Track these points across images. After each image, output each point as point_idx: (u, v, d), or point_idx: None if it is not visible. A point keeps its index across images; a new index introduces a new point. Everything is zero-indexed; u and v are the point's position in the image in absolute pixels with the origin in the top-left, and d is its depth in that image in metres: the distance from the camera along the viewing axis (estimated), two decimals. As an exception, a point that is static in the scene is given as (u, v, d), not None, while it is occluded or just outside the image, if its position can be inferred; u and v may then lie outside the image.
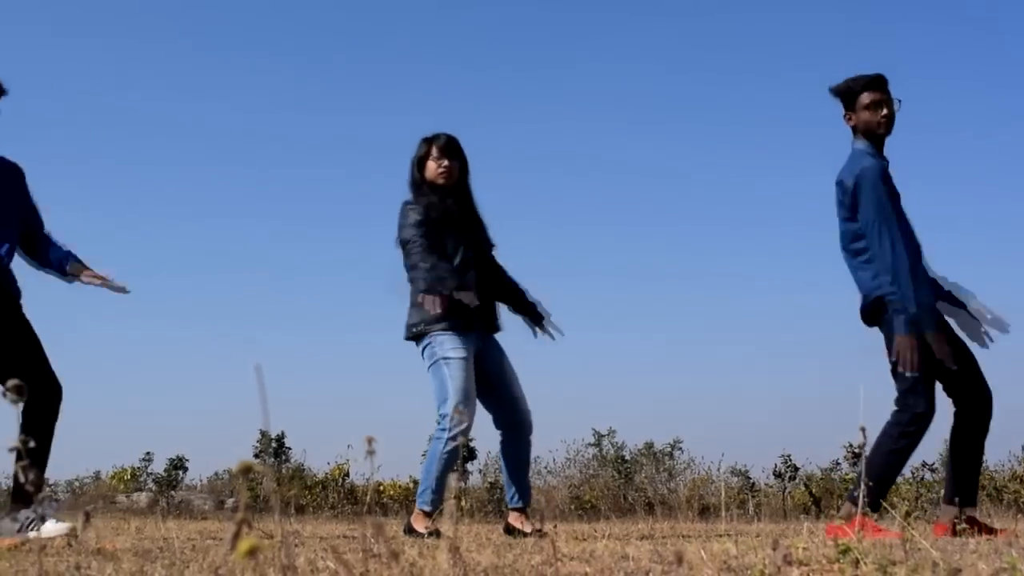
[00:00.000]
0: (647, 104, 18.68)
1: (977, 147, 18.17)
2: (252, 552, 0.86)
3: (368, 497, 11.29)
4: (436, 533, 4.16)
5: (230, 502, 11.88)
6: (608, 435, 12.20)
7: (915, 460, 10.74)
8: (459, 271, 4.35)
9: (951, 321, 4.11)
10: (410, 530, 4.26)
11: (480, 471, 11.58)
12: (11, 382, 1.30)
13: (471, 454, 10.44)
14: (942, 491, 4.25)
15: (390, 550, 1.27)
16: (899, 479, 10.81)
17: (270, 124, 19.10)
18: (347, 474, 11.83)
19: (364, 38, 19.07)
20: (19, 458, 1.27)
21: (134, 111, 18.44)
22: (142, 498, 12.07)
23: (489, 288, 4.56)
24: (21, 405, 1.26)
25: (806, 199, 16.50)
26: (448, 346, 4.30)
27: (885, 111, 4.14)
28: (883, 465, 3.91)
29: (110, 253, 16.37)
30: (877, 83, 4.18)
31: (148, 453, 12.43)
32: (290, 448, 12.19)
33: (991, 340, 4.10)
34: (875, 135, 4.15)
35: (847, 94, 4.20)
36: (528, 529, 4.32)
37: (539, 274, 14.41)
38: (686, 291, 18.08)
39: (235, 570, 1.69)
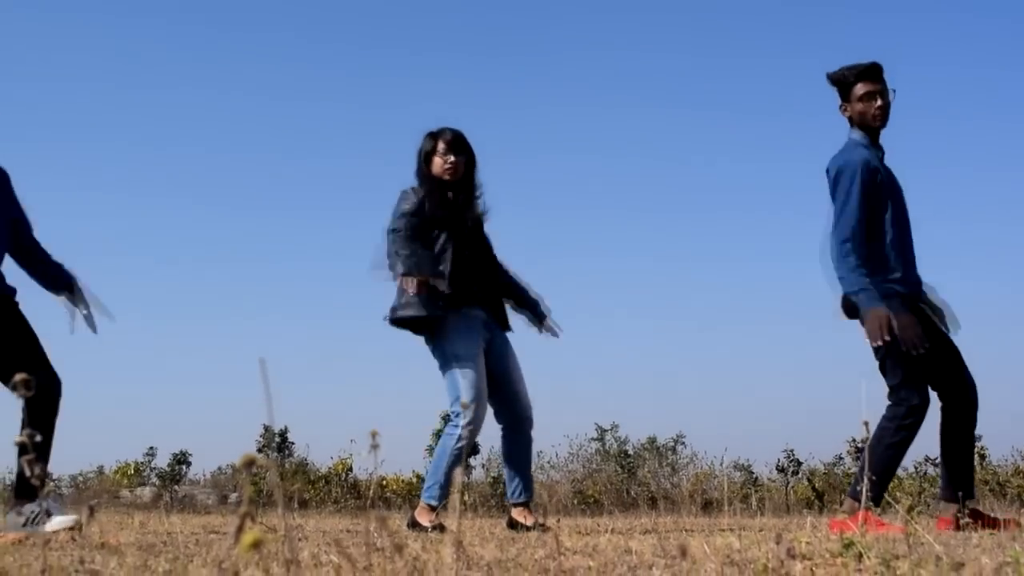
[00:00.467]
0: (654, 90, 18.65)
1: (974, 134, 18.13)
2: (256, 545, 0.86)
3: (371, 492, 11.31)
4: (440, 527, 4.18)
5: (233, 497, 11.90)
6: (611, 430, 12.20)
7: (918, 454, 10.76)
8: (436, 260, 4.36)
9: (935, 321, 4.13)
10: (414, 524, 4.27)
11: (483, 466, 11.59)
12: (19, 376, 1.31)
13: (474, 449, 10.45)
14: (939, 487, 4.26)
15: (394, 543, 1.27)
16: (902, 474, 10.85)
17: (281, 114, 19.10)
18: (350, 469, 11.84)
19: (365, 29, 19.05)
20: (25, 452, 1.27)
21: (135, 99, 18.43)
22: (146, 493, 12.09)
23: (495, 285, 4.56)
24: (22, 401, 1.27)
25: (812, 193, 16.48)
26: (459, 344, 4.31)
27: (879, 102, 4.13)
28: (882, 460, 3.91)
29: (113, 246, 16.39)
30: (871, 73, 4.15)
31: (152, 448, 12.46)
32: (293, 443, 12.22)
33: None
34: (870, 127, 4.15)
35: (842, 84, 4.19)
36: (531, 523, 4.32)
37: (542, 269, 14.42)
38: (689, 285, 18.07)
39: (239, 564, 1.69)
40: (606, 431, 12.20)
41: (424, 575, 1.68)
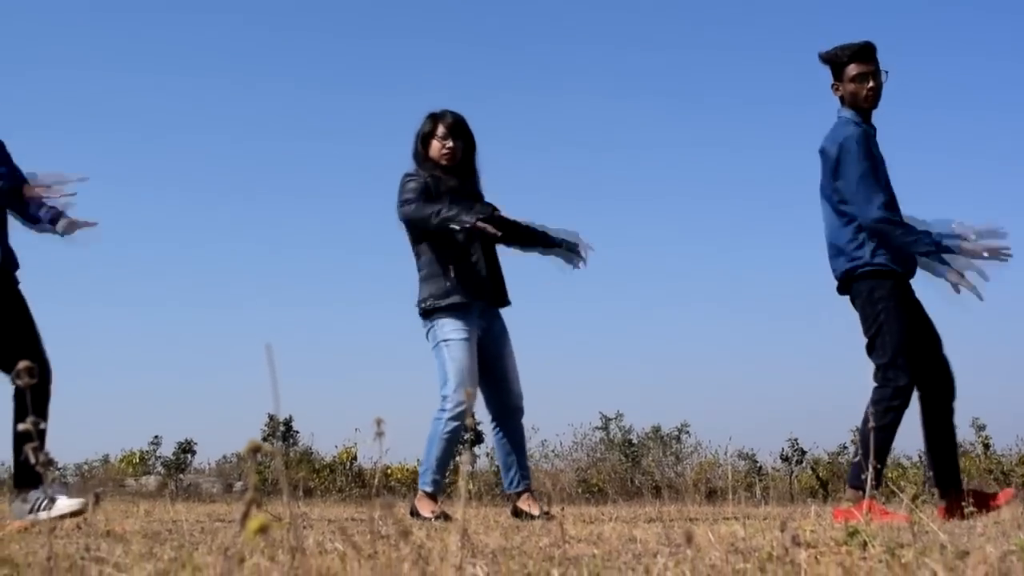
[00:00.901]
0: (648, 83, 18.61)
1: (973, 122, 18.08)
2: (262, 531, 0.86)
3: (375, 480, 11.33)
4: (443, 516, 4.18)
5: (238, 485, 11.93)
6: (615, 419, 12.21)
7: (922, 445, 10.73)
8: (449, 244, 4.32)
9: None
10: (415, 513, 4.28)
11: (488, 454, 11.61)
12: (22, 363, 1.31)
13: (478, 437, 10.45)
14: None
15: (400, 530, 1.27)
16: (907, 462, 10.85)
17: (291, 102, 19.07)
18: (355, 457, 11.86)
19: (366, 22, 19.01)
20: (28, 440, 1.27)
21: (136, 89, 18.43)
22: (151, 481, 12.12)
23: (496, 263, 4.54)
24: (13, 387, 1.27)
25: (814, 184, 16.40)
26: (449, 327, 4.30)
27: (871, 84, 4.09)
28: (874, 443, 3.90)
29: (118, 235, 16.40)
30: (864, 54, 4.11)
31: (157, 437, 12.48)
32: (298, 432, 12.24)
33: (1004, 257, 4.06)
34: (861, 108, 4.12)
35: (835, 63, 4.15)
36: (536, 512, 4.33)
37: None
38: (695, 275, 18.07)
39: (244, 551, 1.70)
40: (610, 420, 12.21)
41: (429, 563, 1.68)
